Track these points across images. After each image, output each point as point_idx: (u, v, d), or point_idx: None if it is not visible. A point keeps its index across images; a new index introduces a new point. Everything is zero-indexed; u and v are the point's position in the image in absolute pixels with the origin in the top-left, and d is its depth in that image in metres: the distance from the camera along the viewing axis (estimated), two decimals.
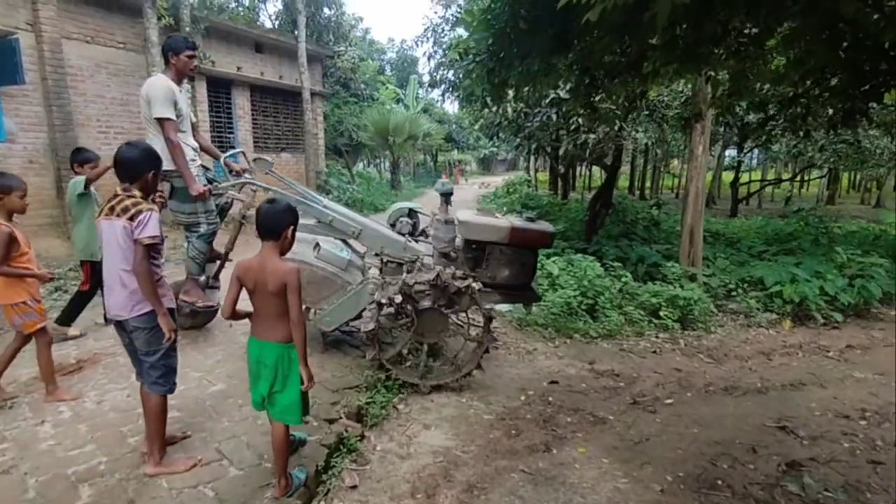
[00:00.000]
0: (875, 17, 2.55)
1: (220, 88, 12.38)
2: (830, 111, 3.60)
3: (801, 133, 4.07)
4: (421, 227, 4.66)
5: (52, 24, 8.20)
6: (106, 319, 4.48)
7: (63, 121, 8.36)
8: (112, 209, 2.51)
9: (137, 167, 2.55)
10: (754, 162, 31.58)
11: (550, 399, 4.15)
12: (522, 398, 4.12)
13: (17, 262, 3.21)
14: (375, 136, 21.67)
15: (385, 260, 4.22)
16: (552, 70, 3.28)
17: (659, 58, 2.94)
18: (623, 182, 27.22)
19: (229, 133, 12.91)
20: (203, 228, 4.22)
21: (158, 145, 3.95)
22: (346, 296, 4.05)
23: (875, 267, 7.57)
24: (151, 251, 2.53)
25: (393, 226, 4.47)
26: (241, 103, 13.05)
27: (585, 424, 3.78)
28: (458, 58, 3.26)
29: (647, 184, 30.46)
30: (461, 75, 3.46)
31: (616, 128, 7.86)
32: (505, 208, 14.66)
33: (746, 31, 3.70)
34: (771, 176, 29.57)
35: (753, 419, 4.01)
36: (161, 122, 3.89)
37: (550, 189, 21.43)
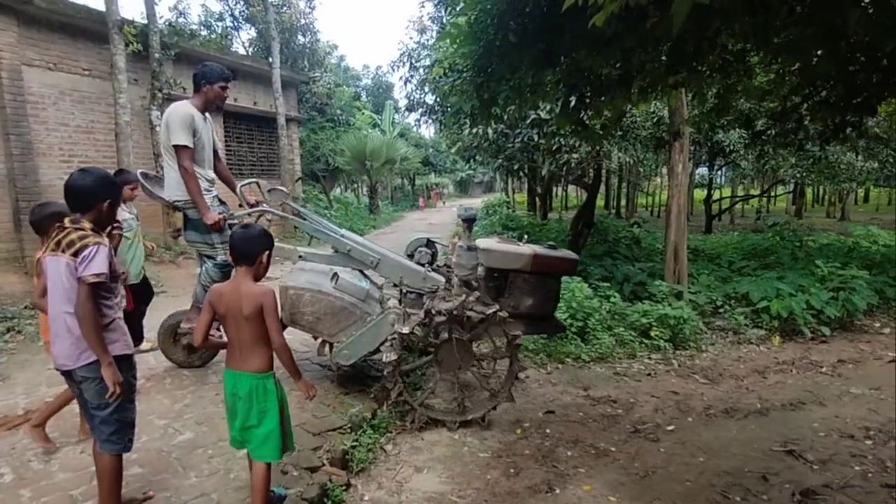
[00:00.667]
0: (875, 26, 2.46)
1: None
2: (820, 126, 3.53)
3: (795, 147, 4.01)
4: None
5: (12, 51, 7.88)
6: None
7: (22, 150, 7.98)
8: (58, 244, 2.22)
9: (90, 196, 2.27)
10: (722, 179, 32.27)
11: (548, 431, 3.92)
12: (518, 431, 3.89)
13: None
14: (352, 160, 21.55)
15: (405, 290, 4.10)
16: (541, 86, 3.14)
17: (657, 72, 2.81)
18: (599, 201, 27.40)
19: None
20: (220, 258, 4.03)
21: (173, 174, 3.91)
22: (366, 327, 3.86)
23: (856, 279, 7.56)
24: (101, 290, 2.24)
25: (411, 256, 4.31)
26: (215, 130, 12.78)
27: (587, 458, 3.55)
28: (442, 74, 3.10)
29: (623, 202, 30.82)
30: (447, 92, 3.28)
31: (599, 147, 7.81)
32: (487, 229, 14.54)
33: (730, 48, 3.64)
34: (740, 192, 30.16)
35: (759, 443, 3.83)
36: (177, 149, 3.79)
37: (529, 210, 21.42)
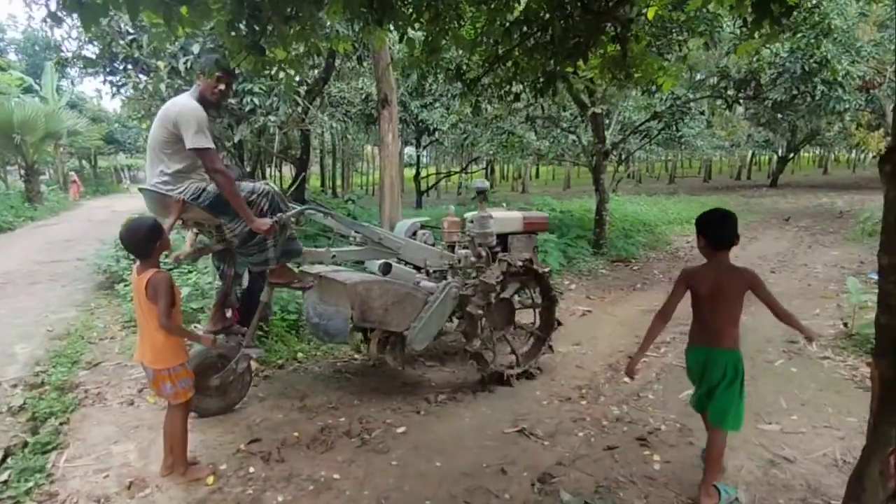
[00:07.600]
0: None
1: None
2: (532, 76, 3.34)
3: (510, 98, 3.81)
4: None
5: None
6: None
7: None
8: None
9: None
10: (428, 159, 34.86)
11: (252, 470, 2.97)
12: (210, 481, 2.85)
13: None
14: None
15: (430, 270, 4.31)
16: (203, 4, 2.13)
17: None
18: (315, 182, 26.75)
19: None
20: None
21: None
22: (434, 306, 3.90)
23: (548, 242, 8.36)
24: None
25: (412, 238, 4.47)
26: None
27: (305, 499, 2.73)
28: None
29: (339, 181, 30.75)
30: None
31: (300, 109, 6.90)
32: None
33: None
34: (444, 170, 32.90)
35: (492, 427, 3.53)
36: (203, 151, 3.15)
37: None
